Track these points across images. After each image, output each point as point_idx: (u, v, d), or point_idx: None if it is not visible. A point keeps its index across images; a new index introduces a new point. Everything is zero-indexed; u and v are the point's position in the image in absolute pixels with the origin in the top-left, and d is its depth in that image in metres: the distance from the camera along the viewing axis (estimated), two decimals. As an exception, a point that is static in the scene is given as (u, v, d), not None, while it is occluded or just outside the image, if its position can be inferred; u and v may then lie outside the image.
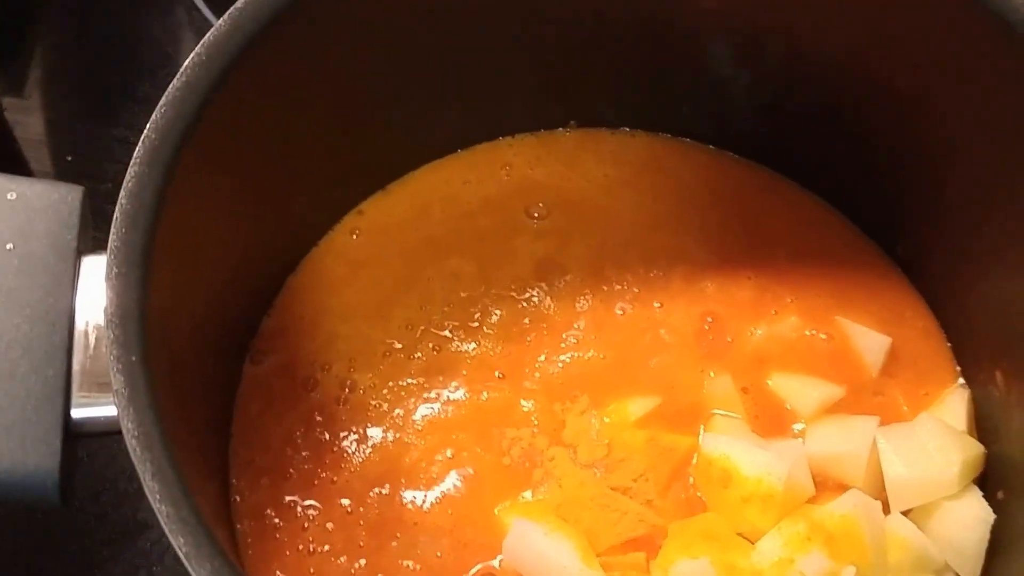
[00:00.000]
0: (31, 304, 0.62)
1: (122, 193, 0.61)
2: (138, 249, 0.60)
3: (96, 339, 0.62)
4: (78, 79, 1.10)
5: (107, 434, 0.60)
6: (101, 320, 0.59)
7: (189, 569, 0.55)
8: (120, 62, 1.11)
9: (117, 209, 0.61)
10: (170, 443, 0.57)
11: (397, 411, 0.84)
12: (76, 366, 0.62)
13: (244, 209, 0.77)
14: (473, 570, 0.79)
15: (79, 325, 0.63)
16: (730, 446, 0.81)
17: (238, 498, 0.80)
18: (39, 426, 0.60)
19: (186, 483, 0.56)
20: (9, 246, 0.64)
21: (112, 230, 0.60)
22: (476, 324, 0.87)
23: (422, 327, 0.87)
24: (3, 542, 0.89)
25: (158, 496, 0.56)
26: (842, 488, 0.81)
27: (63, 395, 0.61)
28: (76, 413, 0.62)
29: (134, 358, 0.58)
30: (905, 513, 0.81)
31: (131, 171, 0.61)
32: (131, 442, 0.57)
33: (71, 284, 0.63)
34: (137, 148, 0.62)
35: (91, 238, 0.67)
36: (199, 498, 0.57)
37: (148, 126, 0.62)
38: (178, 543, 0.55)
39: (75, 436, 0.62)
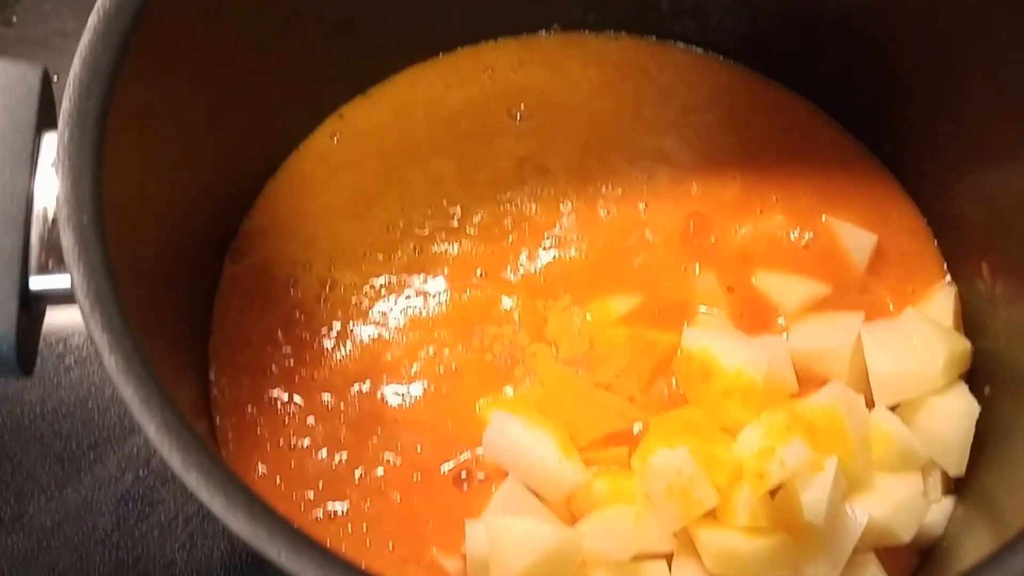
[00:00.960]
0: (-13, 173, 0.62)
1: (75, 61, 0.60)
2: (92, 116, 0.60)
3: (55, 213, 0.62)
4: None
5: (64, 301, 0.60)
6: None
7: (138, 422, 0.55)
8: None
9: (70, 76, 0.60)
10: (123, 302, 0.57)
11: (378, 309, 0.84)
12: (34, 239, 0.62)
13: (214, 101, 0.77)
14: (453, 462, 0.80)
15: (38, 199, 0.63)
16: (710, 340, 0.80)
17: (217, 394, 0.81)
18: (-6, 292, 0.61)
19: (141, 343, 0.56)
20: (-34, 122, 0.64)
21: (64, 97, 0.60)
22: (457, 225, 0.87)
23: (403, 228, 0.87)
24: (-10, 445, 0.90)
25: (108, 347, 0.56)
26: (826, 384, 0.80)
27: (20, 265, 0.61)
28: (34, 284, 0.62)
29: (85, 219, 0.58)
30: (891, 410, 0.80)
31: (84, 39, 0.61)
32: (80, 300, 0.57)
33: (29, 159, 0.63)
34: (91, 16, 0.62)
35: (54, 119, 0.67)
36: (158, 365, 0.57)
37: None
38: (127, 395, 0.55)
39: (33, 304, 0.62)
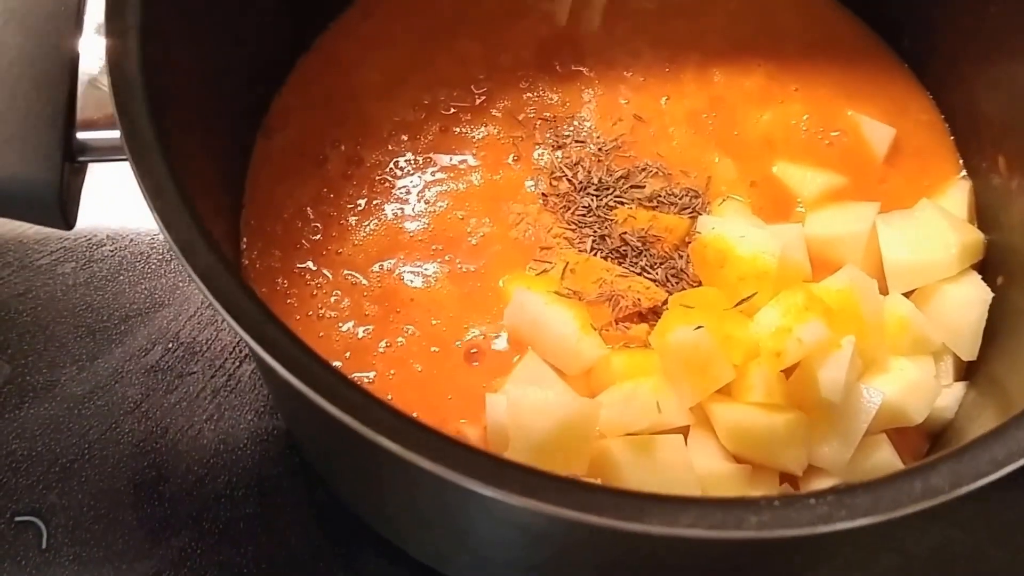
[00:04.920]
0: (36, 26, 0.63)
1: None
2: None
3: (99, 70, 0.63)
4: None
5: (109, 153, 0.61)
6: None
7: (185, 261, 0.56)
8: None
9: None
10: (163, 149, 0.58)
11: (401, 188, 0.86)
12: (80, 92, 0.63)
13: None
14: (471, 336, 0.81)
15: (84, 54, 0.64)
16: (724, 226, 0.82)
17: (248, 264, 0.82)
18: (42, 142, 0.62)
19: (184, 191, 0.57)
20: (14, -30, 0.65)
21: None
22: (482, 107, 0.89)
23: (430, 108, 0.89)
24: (25, 316, 0.92)
25: (151, 192, 0.56)
26: (841, 271, 0.82)
27: (65, 114, 0.63)
28: (80, 135, 0.63)
29: (129, 65, 0.59)
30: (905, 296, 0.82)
31: None
32: (125, 141, 0.58)
33: (76, 13, 0.64)
34: None
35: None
36: (197, 203, 0.58)
37: None
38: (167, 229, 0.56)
39: (78, 154, 0.64)
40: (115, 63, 0.59)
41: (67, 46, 0.64)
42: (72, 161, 0.63)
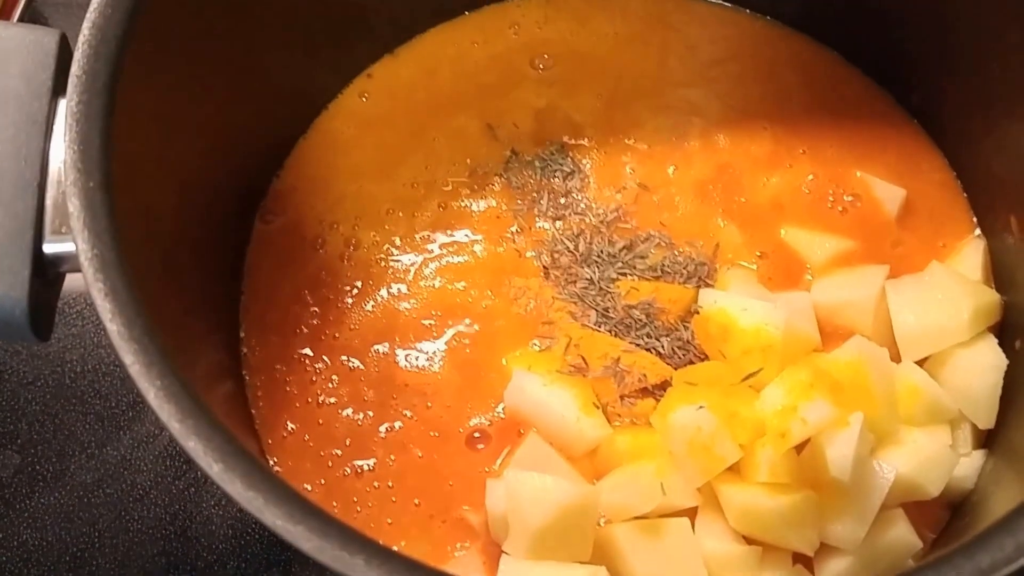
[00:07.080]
0: (3, 140, 0.62)
1: (85, 23, 0.61)
2: (101, 80, 0.60)
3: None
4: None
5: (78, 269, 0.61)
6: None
7: (139, 388, 0.56)
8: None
9: (79, 40, 0.61)
10: (128, 269, 0.57)
11: (399, 269, 0.85)
12: (49, 202, 0.62)
13: (240, 62, 0.78)
14: (472, 418, 0.80)
15: (53, 164, 0.63)
16: (726, 299, 0.80)
17: (248, 352, 0.82)
18: (8, 257, 0.61)
19: (144, 310, 0.57)
20: (-16, 85, 0.64)
21: (74, 60, 0.61)
22: (480, 182, 0.88)
23: (428, 184, 0.88)
24: (34, 404, 0.92)
25: (109, 315, 0.56)
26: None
27: (33, 229, 0.62)
28: (48, 248, 0.62)
29: (92, 184, 0.58)
30: (918, 364, 0.79)
31: (94, 5, 0.61)
32: (84, 267, 0.57)
33: (45, 123, 0.63)
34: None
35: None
36: (163, 329, 0.58)
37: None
38: (127, 361, 0.56)
39: (47, 269, 0.63)
40: (76, 179, 0.58)
41: (35, 155, 0.63)
42: (42, 276, 0.62)
